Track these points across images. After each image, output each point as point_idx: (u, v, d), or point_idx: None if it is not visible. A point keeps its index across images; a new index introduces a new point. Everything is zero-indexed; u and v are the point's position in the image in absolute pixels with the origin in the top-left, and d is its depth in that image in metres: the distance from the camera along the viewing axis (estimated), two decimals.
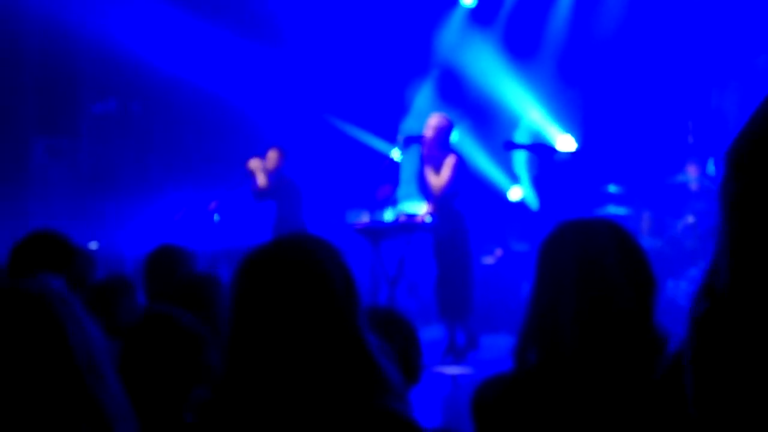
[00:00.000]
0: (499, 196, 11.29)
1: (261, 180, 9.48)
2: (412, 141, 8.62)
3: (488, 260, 10.32)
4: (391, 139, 11.24)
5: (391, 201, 10.07)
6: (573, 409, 2.09)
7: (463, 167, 8.35)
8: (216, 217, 9.97)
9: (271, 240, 2.20)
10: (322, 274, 2.04)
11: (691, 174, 10.16)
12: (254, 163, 9.54)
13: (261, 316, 2.02)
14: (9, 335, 1.68)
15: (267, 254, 2.11)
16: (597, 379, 2.10)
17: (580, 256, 2.16)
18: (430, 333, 8.42)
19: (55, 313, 1.72)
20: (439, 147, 8.23)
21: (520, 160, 11.39)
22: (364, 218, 8.63)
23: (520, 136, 11.22)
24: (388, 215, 8.65)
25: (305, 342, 1.99)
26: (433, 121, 8.33)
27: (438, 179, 8.16)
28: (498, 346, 7.65)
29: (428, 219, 8.30)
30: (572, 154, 9.85)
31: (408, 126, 11.01)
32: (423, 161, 8.35)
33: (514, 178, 11.37)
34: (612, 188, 10.72)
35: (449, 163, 8.15)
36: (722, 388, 1.18)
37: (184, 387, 2.66)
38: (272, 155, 9.65)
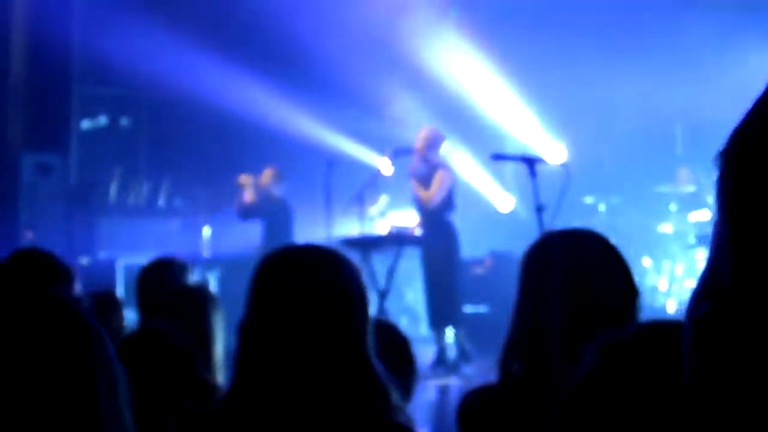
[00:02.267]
0: (489, 207, 11.32)
1: (249, 195, 9.47)
2: (401, 153, 8.64)
3: (478, 270, 10.32)
4: (381, 151, 11.27)
5: (382, 213, 10.10)
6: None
7: (453, 180, 8.38)
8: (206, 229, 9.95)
9: (290, 247, 2.22)
10: (342, 285, 2.08)
11: (682, 178, 10.20)
12: (244, 179, 9.52)
13: (277, 323, 2.04)
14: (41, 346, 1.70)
15: (289, 261, 2.14)
16: (585, 385, 2.11)
17: (564, 267, 2.19)
18: (420, 345, 8.43)
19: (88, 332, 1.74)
20: (429, 159, 8.26)
21: (509, 170, 11.41)
22: (354, 230, 8.64)
23: (509, 147, 11.24)
24: (379, 227, 8.67)
25: (317, 353, 2.01)
26: (423, 134, 8.35)
27: (428, 193, 8.18)
28: (487, 357, 7.65)
29: (418, 231, 8.32)
30: (561, 164, 9.86)
31: (397, 137, 11.02)
32: (412, 174, 8.37)
33: (504, 189, 11.40)
34: (600, 198, 10.76)
35: (440, 177, 8.18)
36: (726, 389, 1.16)
37: (174, 401, 2.68)
38: (267, 173, 9.63)
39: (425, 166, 8.28)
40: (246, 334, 2.09)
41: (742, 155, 1.18)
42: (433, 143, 8.31)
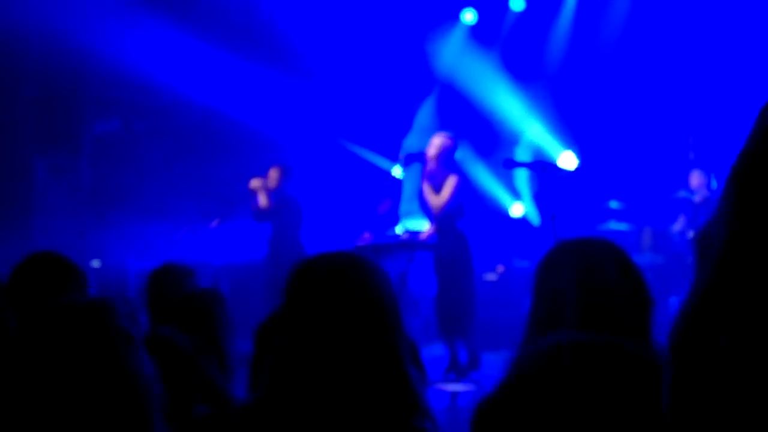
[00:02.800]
0: (501, 213, 11.31)
1: (263, 200, 9.43)
2: (413, 158, 8.63)
3: (490, 277, 10.32)
4: (393, 157, 11.28)
5: (394, 218, 10.10)
6: (572, 428, 2.09)
7: (465, 186, 8.36)
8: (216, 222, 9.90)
9: (324, 255, 2.24)
10: (376, 292, 2.12)
11: (693, 183, 10.16)
12: (256, 183, 9.48)
13: (313, 329, 2.07)
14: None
15: (323, 268, 2.17)
16: (596, 398, 2.10)
17: (578, 276, 2.17)
18: (432, 351, 8.42)
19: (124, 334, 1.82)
20: (442, 166, 8.23)
21: (521, 177, 11.41)
22: (366, 236, 8.64)
23: (521, 154, 11.24)
24: (392, 232, 8.66)
25: (352, 358, 2.05)
26: (437, 140, 8.33)
27: (438, 198, 8.16)
28: (500, 364, 7.64)
29: (428, 236, 8.32)
30: (573, 170, 9.87)
31: (410, 143, 11.03)
32: (424, 179, 8.35)
33: (516, 195, 11.39)
34: (613, 204, 10.74)
35: (451, 182, 8.15)
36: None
37: (181, 406, 2.68)
38: (273, 174, 9.59)
39: (439, 173, 8.25)
40: (281, 338, 2.11)
41: (744, 177, 1.25)
42: (447, 150, 8.28)
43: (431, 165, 8.26)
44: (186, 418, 2.88)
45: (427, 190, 8.26)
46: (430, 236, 8.37)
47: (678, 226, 10.07)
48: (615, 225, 10.53)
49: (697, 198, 9.99)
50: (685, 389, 1.24)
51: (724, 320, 1.21)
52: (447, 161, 8.24)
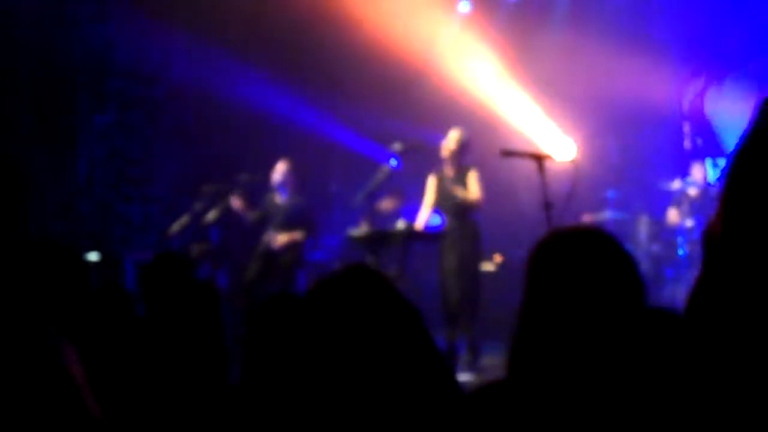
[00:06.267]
0: (499, 203, 11.31)
1: (250, 217, 9.56)
2: (411, 150, 8.70)
3: (488, 267, 10.33)
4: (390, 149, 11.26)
5: (393, 211, 10.10)
6: (563, 419, 2.11)
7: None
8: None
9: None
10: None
11: (696, 175, 10.19)
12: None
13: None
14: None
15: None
16: (588, 387, 2.11)
17: (569, 265, 2.18)
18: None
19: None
20: (460, 162, 8.41)
21: (519, 166, 11.39)
22: (363, 227, 8.65)
23: (518, 143, 11.22)
24: (393, 225, 8.67)
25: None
26: (455, 136, 8.47)
27: (474, 196, 8.30)
28: (497, 354, 7.67)
29: (426, 227, 8.36)
30: (570, 159, 9.88)
31: (407, 136, 11.00)
32: (444, 176, 8.45)
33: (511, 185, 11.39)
34: (610, 194, 10.76)
35: (475, 176, 8.33)
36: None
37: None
38: (280, 167, 9.61)
39: (458, 167, 8.41)
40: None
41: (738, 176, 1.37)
42: (465, 145, 8.48)
43: (451, 159, 8.41)
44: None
45: (452, 187, 8.36)
46: (430, 227, 8.44)
47: (672, 216, 10.07)
48: (612, 214, 10.55)
49: (693, 190, 10.00)
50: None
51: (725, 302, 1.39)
52: (465, 156, 8.43)
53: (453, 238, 8.29)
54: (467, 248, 8.29)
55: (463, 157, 8.49)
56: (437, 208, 8.56)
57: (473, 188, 8.36)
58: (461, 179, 8.42)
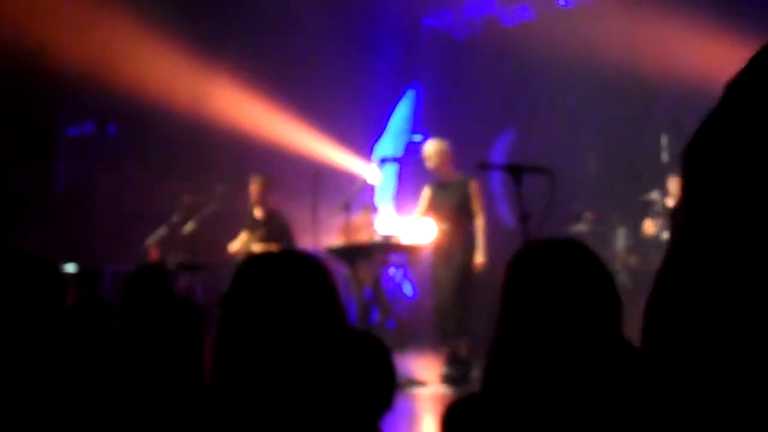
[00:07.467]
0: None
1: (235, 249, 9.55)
2: (388, 161, 8.68)
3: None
4: (368, 160, 11.28)
5: (371, 221, 10.10)
6: (541, 430, 2.12)
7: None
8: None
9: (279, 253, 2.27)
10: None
11: (671, 188, 10.24)
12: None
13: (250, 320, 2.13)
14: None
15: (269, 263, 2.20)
16: (565, 399, 2.12)
17: (545, 278, 2.20)
18: (407, 355, 8.42)
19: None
20: (445, 173, 8.34)
21: (496, 179, 11.45)
22: (340, 239, 8.64)
23: (495, 156, 11.29)
24: (365, 236, 8.66)
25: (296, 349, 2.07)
26: (438, 147, 8.40)
27: (479, 213, 8.27)
28: (478, 364, 7.68)
29: (402, 239, 8.34)
30: (546, 172, 9.94)
31: (383, 146, 11.04)
32: (430, 185, 8.42)
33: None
34: (587, 207, 10.80)
35: (477, 190, 8.29)
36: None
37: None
38: (255, 184, 9.56)
39: (450, 179, 8.35)
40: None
41: (696, 154, 1.41)
42: (447, 156, 8.40)
43: (440, 172, 8.33)
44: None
45: (444, 193, 8.31)
46: (411, 239, 8.39)
47: (649, 228, 10.13)
48: (588, 227, 10.60)
49: (670, 202, 10.06)
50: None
51: (687, 286, 1.45)
52: (449, 166, 8.36)
53: (448, 249, 8.24)
54: (463, 257, 8.22)
55: (448, 168, 8.43)
56: (432, 218, 8.49)
57: (479, 201, 8.33)
58: (458, 189, 8.36)
